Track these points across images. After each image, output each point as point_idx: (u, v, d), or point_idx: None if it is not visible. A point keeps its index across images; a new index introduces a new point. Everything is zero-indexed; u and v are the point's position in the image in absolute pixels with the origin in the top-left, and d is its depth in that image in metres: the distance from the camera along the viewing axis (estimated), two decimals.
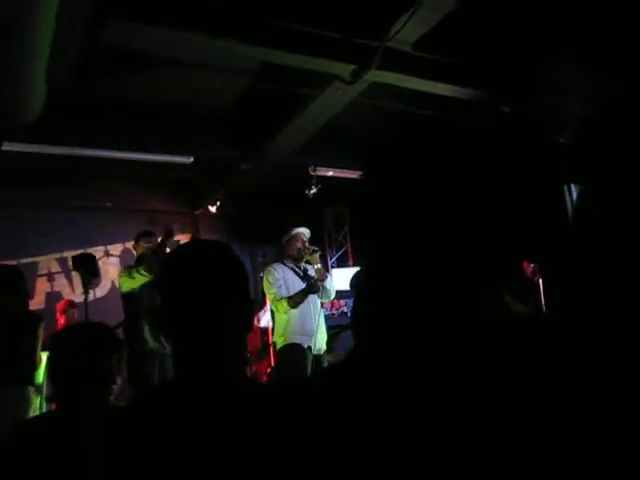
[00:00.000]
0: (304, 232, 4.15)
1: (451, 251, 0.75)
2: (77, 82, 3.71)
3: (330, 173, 5.73)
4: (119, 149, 4.74)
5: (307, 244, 4.08)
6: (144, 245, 4.10)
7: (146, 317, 3.73)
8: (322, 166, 5.67)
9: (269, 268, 4.02)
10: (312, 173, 5.59)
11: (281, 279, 3.90)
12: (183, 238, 6.44)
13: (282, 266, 4.02)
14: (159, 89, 4.15)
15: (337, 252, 7.13)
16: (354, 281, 1.13)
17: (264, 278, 4.01)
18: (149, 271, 3.79)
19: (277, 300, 3.87)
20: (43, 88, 3.11)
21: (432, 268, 0.76)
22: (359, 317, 0.87)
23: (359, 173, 5.92)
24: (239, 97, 4.42)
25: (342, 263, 6.94)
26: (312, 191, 5.62)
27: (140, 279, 3.80)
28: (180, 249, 1.05)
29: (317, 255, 3.99)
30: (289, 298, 3.84)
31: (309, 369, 3.67)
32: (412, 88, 3.83)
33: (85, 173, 5.32)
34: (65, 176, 5.32)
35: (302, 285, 3.92)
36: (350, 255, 7.07)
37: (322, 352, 3.91)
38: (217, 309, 0.92)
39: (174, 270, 0.95)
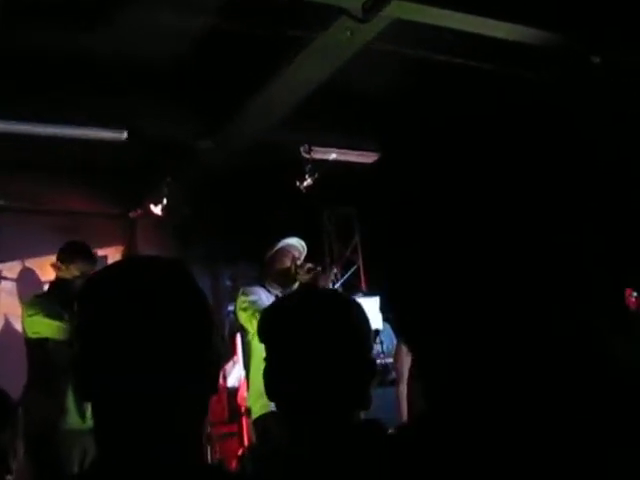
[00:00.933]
0: (296, 244, 4.25)
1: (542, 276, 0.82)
2: None
3: (332, 156, 5.82)
4: (16, 121, 4.83)
5: (301, 261, 4.17)
6: (78, 270, 3.97)
7: (64, 377, 3.70)
8: (320, 146, 5.75)
9: (245, 288, 4.16)
10: (305, 156, 5.70)
11: (261, 297, 4.03)
12: (112, 253, 6.45)
13: (264, 291, 4.14)
14: (73, 35, 4.26)
15: (344, 274, 7.33)
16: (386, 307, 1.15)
17: (237, 303, 4.11)
18: (66, 306, 3.74)
19: (255, 317, 3.92)
20: None
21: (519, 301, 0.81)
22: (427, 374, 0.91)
23: (375, 156, 5.98)
24: (196, 44, 4.54)
25: (351, 289, 7.04)
26: (306, 183, 5.72)
27: (59, 326, 3.73)
28: (106, 273, 1.06)
29: (318, 274, 4.13)
30: None
31: None
32: (453, 28, 3.94)
33: None
34: None
35: None
36: (363, 278, 7.18)
37: None
38: (162, 365, 0.94)
39: (97, 306, 0.97)
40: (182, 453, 0.96)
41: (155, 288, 0.99)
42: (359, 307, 1.44)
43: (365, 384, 1.37)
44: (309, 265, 4.14)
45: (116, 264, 1.14)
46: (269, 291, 4.15)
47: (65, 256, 4.02)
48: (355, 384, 1.35)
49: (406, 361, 4.26)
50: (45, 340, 3.83)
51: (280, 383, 1.37)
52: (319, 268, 4.15)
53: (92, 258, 4.09)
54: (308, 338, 1.34)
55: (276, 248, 4.21)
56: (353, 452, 1.19)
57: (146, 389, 0.93)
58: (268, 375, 1.41)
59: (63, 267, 4.00)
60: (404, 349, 4.35)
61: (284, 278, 4.16)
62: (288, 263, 4.16)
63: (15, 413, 1.53)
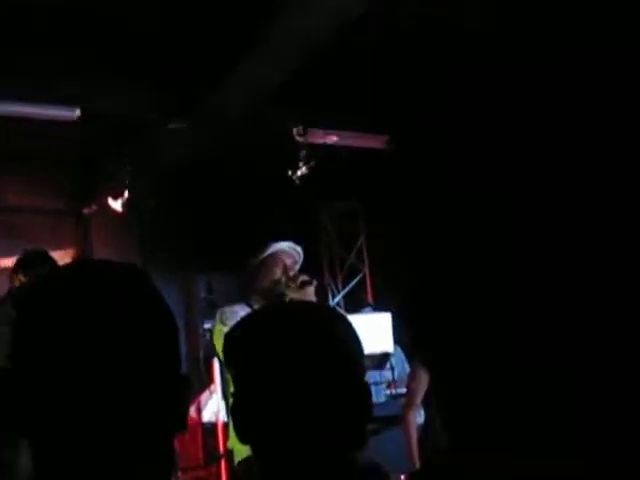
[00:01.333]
0: (289, 250, 4.18)
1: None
2: None
3: (333, 139, 5.81)
4: None
5: (294, 272, 4.11)
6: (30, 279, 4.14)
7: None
8: (318, 127, 5.74)
9: (223, 310, 4.09)
10: (299, 139, 5.69)
11: None
12: (60, 258, 6.18)
13: (246, 309, 4.02)
14: None
15: (346, 284, 7.31)
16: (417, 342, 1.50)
17: (214, 328, 4.07)
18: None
19: None
20: None
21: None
22: None
23: (385, 140, 6.00)
24: (167, 9, 4.60)
25: (354, 303, 7.03)
26: (300, 173, 5.75)
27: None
28: (51, 281, 1.06)
29: (311, 290, 4.03)
30: None
31: None
32: None
33: None
34: None
35: None
36: (370, 289, 7.16)
37: None
38: (117, 395, 0.95)
39: (39, 322, 0.97)
40: None
41: (111, 300, 1.00)
42: (345, 321, 1.42)
43: (357, 416, 1.33)
44: (303, 277, 4.06)
45: (56, 272, 1.13)
46: (253, 308, 4.06)
47: (17, 264, 4.21)
48: (345, 417, 1.31)
49: (423, 386, 4.31)
50: None
51: (252, 421, 1.34)
52: (315, 282, 4.07)
53: (36, 265, 4.19)
54: (283, 363, 1.31)
55: (263, 255, 4.14)
56: None
57: (99, 419, 0.94)
58: (237, 411, 1.37)
59: (14, 277, 4.19)
60: (423, 372, 4.42)
61: (273, 292, 4.09)
62: (278, 274, 4.09)
63: None
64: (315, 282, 4.05)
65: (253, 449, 1.39)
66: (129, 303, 1.01)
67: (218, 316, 4.06)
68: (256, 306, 4.01)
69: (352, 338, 1.38)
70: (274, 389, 1.31)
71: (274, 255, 4.11)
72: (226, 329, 3.48)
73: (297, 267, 4.15)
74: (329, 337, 1.36)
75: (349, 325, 1.41)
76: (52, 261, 4.27)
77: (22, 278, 4.13)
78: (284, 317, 1.42)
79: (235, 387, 1.41)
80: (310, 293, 3.99)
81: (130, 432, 0.96)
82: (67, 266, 1.15)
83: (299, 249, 4.18)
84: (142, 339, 0.99)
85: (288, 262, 4.11)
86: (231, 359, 1.43)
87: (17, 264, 4.23)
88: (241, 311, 3.88)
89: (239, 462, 3.86)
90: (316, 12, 4.32)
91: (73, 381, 0.94)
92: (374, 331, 5.71)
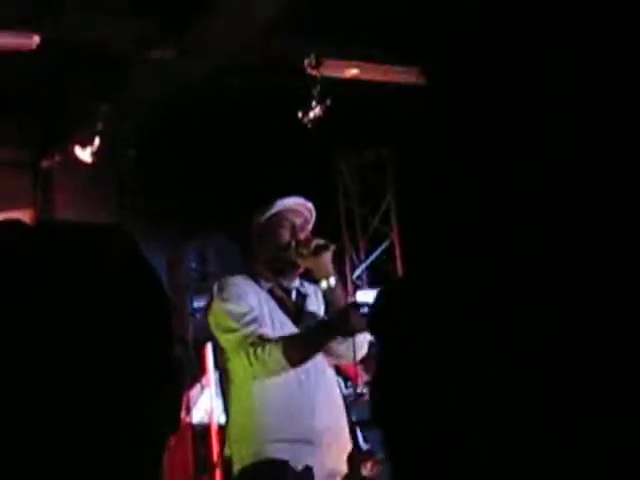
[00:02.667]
0: (299, 208, 3.95)
1: None
2: None
3: (352, 72, 5.61)
4: None
5: (306, 234, 3.90)
6: None
7: None
8: (333, 56, 5.51)
9: (222, 281, 3.92)
10: (312, 73, 5.46)
11: (251, 302, 3.85)
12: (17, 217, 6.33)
13: (250, 282, 3.88)
14: None
15: (370, 253, 7.22)
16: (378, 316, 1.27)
17: (212, 304, 3.86)
18: None
19: (243, 347, 3.73)
20: None
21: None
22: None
23: (418, 74, 5.65)
24: None
25: (380, 276, 6.97)
26: (313, 114, 5.54)
27: None
28: (3, 249, 0.93)
29: (328, 256, 3.81)
30: (283, 341, 3.73)
31: None
32: None
33: None
34: None
35: (291, 325, 3.87)
36: (398, 257, 7.00)
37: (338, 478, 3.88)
38: (91, 390, 0.86)
39: None
40: None
41: (82, 275, 0.89)
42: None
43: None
44: (317, 241, 3.82)
45: (16, 237, 0.92)
46: (259, 283, 3.87)
47: None
48: None
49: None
50: None
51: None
52: (333, 247, 3.84)
53: None
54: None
55: (267, 215, 3.87)
56: None
57: (69, 422, 0.85)
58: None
59: None
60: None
61: (281, 261, 3.85)
62: (286, 237, 3.84)
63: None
64: (333, 247, 3.83)
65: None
66: (111, 273, 0.91)
67: (215, 290, 3.84)
68: (260, 278, 3.90)
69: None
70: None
71: (280, 214, 3.88)
72: (226, 306, 3.75)
73: (309, 228, 3.92)
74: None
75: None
76: None
77: None
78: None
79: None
80: (327, 260, 3.79)
81: (111, 439, 0.88)
82: (30, 228, 0.94)
83: (311, 206, 3.95)
84: (127, 318, 0.90)
85: (298, 222, 3.88)
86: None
87: None
88: (242, 285, 3.82)
89: (240, 470, 3.68)
90: None
91: (33, 374, 0.84)
92: None
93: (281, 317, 3.85)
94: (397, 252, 7.15)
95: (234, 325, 3.71)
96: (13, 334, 0.85)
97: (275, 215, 3.84)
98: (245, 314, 3.70)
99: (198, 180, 6.49)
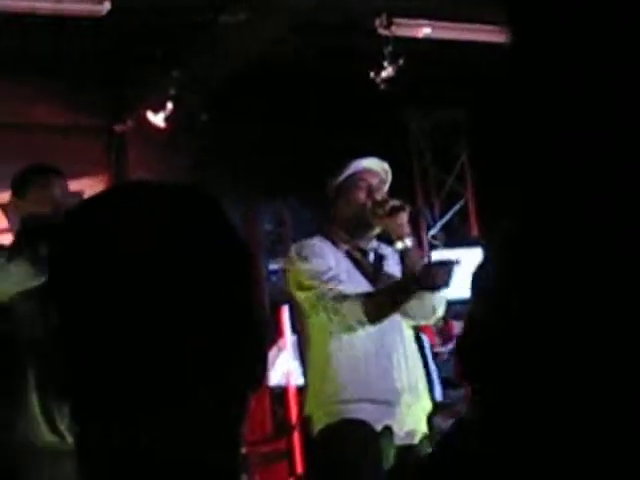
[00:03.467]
0: (375, 168, 4.04)
1: None
2: None
3: (425, 31, 5.69)
4: None
5: (383, 195, 3.96)
6: (34, 198, 3.92)
7: (32, 370, 3.65)
8: (404, 16, 5.58)
9: (300, 243, 4.08)
10: (383, 32, 5.54)
11: (329, 261, 3.97)
12: (90, 186, 6.17)
13: (327, 243, 4.03)
14: None
15: (445, 212, 7.37)
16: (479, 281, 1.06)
17: (290, 266, 4.01)
18: (36, 261, 3.61)
19: (323, 303, 3.85)
20: None
21: None
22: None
23: (495, 31, 5.42)
24: None
25: (456, 237, 7.18)
26: (385, 74, 5.64)
27: (19, 278, 3.67)
28: (96, 207, 1.04)
29: (404, 217, 3.90)
30: (363, 297, 3.83)
31: None
32: None
33: None
34: None
35: (368, 285, 3.95)
36: (473, 218, 7.18)
37: (417, 440, 3.89)
38: (181, 348, 0.92)
39: (85, 260, 0.95)
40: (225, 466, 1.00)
41: (171, 232, 0.95)
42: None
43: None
44: (394, 202, 3.89)
45: (97, 199, 1.05)
46: (336, 244, 4.00)
47: (14, 189, 4.01)
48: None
49: None
50: (7, 309, 3.83)
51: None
52: (408, 207, 3.95)
53: (47, 179, 3.93)
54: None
55: (343, 176, 3.98)
56: None
57: (160, 375, 0.92)
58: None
59: (17, 203, 4.00)
60: None
61: (357, 223, 3.96)
62: (362, 198, 3.95)
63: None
64: (409, 207, 3.93)
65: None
66: (196, 231, 0.97)
67: (294, 251, 3.97)
68: (336, 239, 4.05)
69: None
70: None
71: (356, 175, 3.99)
72: (306, 264, 3.90)
73: (385, 188, 4.04)
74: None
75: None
76: (55, 173, 3.94)
77: (20, 203, 3.89)
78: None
79: None
80: (402, 221, 3.88)
81: (193, 391, 0.92)
82: (109, 191, 1.22)
83: (386, 166, 4.05)
84: (214, 275, 0.95)
85: (374, 182, 3.99)
86: None
87: (18, 183, 3.97)
88: (319, 246, 3.96)
89: (320, 430, 3.76)
90: None
91: (126, 328, 0.93)
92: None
93: (358, 278, 3.92)
94: (472, 212, 7.27)
95: (314, 282, 3.79)
96: (137, 281, 0.92)
97: (351, 176, 3.93)
98: (325, 272, 3.78)
99: (271, 144, 6.55)
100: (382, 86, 5.67)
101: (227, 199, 5.88)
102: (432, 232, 7.27)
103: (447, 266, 3.86)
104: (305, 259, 3.85)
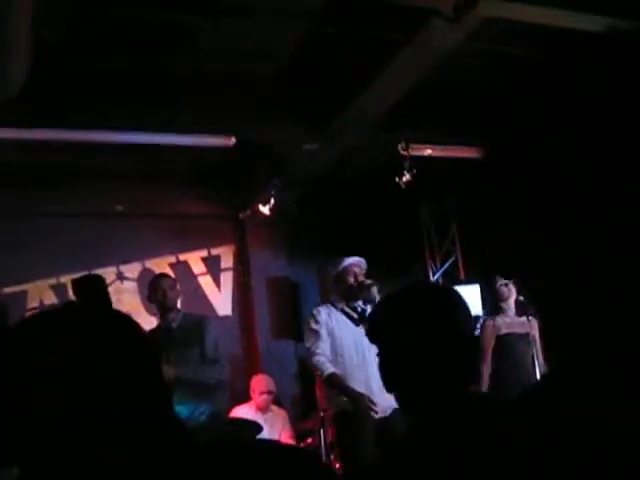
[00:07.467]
0: (357, 263, 4.71)
1: None
2: (71, 47, 4.55)
3: (428, 152, 6.22)
4: (131, 130, 5.43)
5: (361, 277, 4.65)
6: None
7: None
8: (416, 142, 6.14)
9: (310, 316, 4.71)
10: (403, 153, 6.04)
11: (324, 325, 4.54)
12: (224, 253, 7.25)
13: (329, 308, 4.68)
14: (181, 52, 4.79)
15: (443, 264, 7.64)
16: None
17: (307, 323, 4.72)
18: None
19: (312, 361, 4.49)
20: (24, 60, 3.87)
21: None
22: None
23: (472, 152, 6.36)
24: (295, 50, 4.99)
25: (450, 279, 7.44)
26: (405, 179, 6.07)
27: None
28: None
29: (375, 289, 4.55)
30: (327, 378, 4.48)
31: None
32: (546, 24, 4.27)
33: (86, 167, 6.17)
34: (54, 172, 6.05)
35: (354, 332, 4.53)
36: (461, 267, 7.53)
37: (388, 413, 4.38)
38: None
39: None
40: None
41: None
42: (456, 293, 1.66)
43: (471, 359, 1.59)
44: (368, 282, 4.59)
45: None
46: (335, 306, 4.68)
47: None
48: (462, 360, 1.55)
49: (491, 338, 4.99)
50: None
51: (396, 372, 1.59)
52: (377, 285, 4.59)
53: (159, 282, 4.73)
54: (416, 325, 1.54)
55: (340, 267, 4.68)
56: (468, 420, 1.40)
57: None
58: (384, 368, 1.63)
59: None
60: (490, 326, 5.11)
61: (348, 294, 4.66)
62: (351, 280, 4.63)
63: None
64: (377, 285, 4.58)
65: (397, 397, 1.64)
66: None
67: (314, 310, 4.69)
68: (336, 302, 4.66)
69: (461, 305, 1.60)
70: (410, 347, 1.54)
71: (347, 267, 4.66)
72: (313, 325, 4.56)
73: (364, 272, 4.68)
74: (446, 305, 1.59)
75: (459, 295, 1.64)
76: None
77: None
78: (413, 295, 1.65)
79: (380, 351, 1.65)
80: (374, 292, 4.53)
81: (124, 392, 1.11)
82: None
83: (363, 261, 4.72)
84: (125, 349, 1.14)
85: (357, 271, 4.64)
86: (375, 333, 1.65)
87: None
88: (321, 313, 4.62)
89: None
90: (415, 63, 4.78)
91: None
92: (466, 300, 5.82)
93: (344, 323, 4.59)
94: (460, 263, 7.58)
95: (306, 340, 4.55)
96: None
97: (344, 267, 4.67)
98: (312, 350, 4.49)
99: (337, 224, 7.06)
100: (403, 187, 6.11)
101: (312, 265, 7.10)
102: (435, 277, 7.58)
103: None
104: (315, 320, 4.55)
